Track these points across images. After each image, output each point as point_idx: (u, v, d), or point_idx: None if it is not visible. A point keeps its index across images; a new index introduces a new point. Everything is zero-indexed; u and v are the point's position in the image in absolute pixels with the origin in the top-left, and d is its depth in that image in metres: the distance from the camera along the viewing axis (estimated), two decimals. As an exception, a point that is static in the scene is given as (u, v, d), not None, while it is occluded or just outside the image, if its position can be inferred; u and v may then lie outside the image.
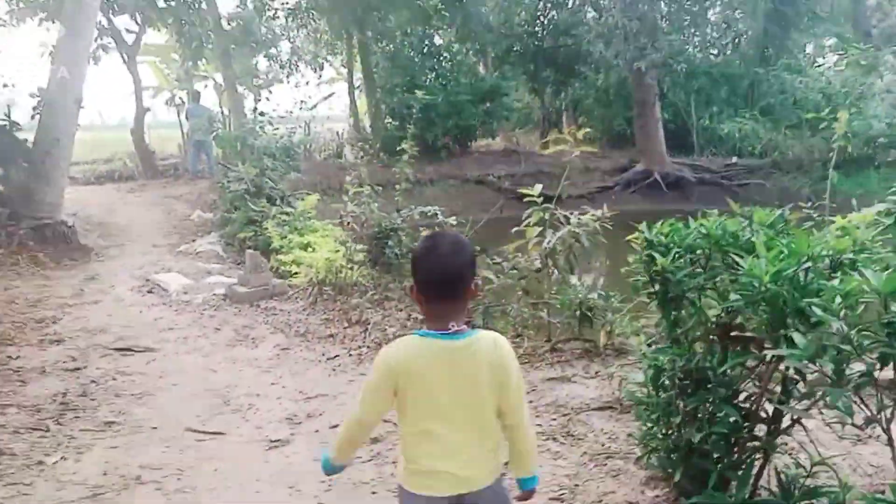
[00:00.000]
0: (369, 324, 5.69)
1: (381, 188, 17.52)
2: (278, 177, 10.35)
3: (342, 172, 17.90)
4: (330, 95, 23.93)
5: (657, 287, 2.73)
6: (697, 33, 18.16)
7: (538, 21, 20.83)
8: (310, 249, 7.83)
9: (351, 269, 6.81)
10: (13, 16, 13.57)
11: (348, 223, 6.51)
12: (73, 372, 5.03)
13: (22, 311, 6.63)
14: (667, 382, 2.81)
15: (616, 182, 18.44)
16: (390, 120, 18.72)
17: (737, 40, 19.46)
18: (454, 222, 7.07)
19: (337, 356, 5.17)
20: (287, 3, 19.02)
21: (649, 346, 3.06)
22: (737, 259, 2.35)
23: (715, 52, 19.87)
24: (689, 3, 17.88)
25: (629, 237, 2.83)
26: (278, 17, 18.73)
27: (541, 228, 5.12)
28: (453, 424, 1.87)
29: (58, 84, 8.79)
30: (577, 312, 4.86)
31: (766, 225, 2.56)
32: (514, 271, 5.00)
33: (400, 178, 7.33)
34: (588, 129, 21.95)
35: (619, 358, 4.76)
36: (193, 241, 9.98)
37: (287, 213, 9.37)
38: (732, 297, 2.35)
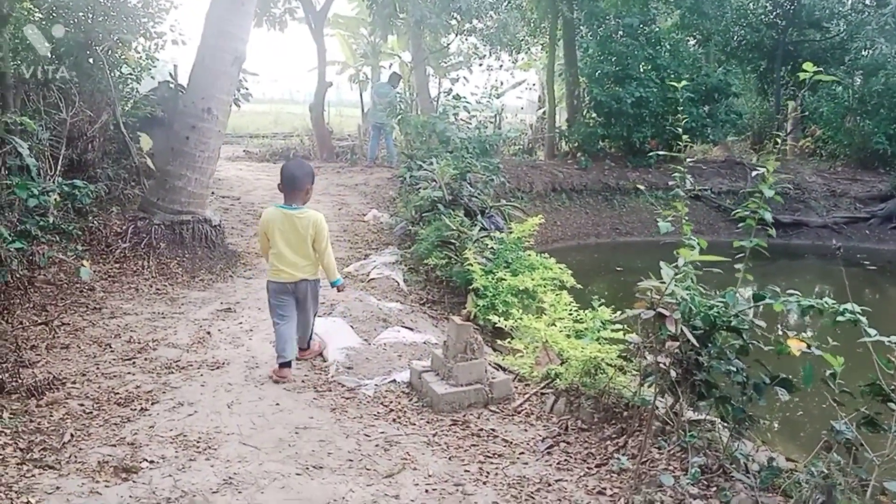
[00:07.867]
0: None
1: (578, 196, 14.36)
2: (482, 183, 7.36)
3: (533, 172, 14.96)
4: (521, 83, 20.74)
5: None
6: None
7: (782, 9, 16.43)
8: (541, 306, 4.82)
9: (618, 373, 3.67)
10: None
11: (661, 319, 2.92)
12: None
13: (110, 370, 4.12)
14: None
15: (872, 213, 13.97)
16: (594, 115, 15.30)
17: None
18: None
19: None
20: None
21: None
22: None
23: None
24: None
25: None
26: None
27: None
28: (290, 249, 4.12)
29: (212, 38, 6.23)
30: None
31: None
32: None
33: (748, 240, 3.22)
34: (829, 145, 17.53)
35: None
36: (366, 256, 7.27)
37: (492, 238, 6.39)
38: None
